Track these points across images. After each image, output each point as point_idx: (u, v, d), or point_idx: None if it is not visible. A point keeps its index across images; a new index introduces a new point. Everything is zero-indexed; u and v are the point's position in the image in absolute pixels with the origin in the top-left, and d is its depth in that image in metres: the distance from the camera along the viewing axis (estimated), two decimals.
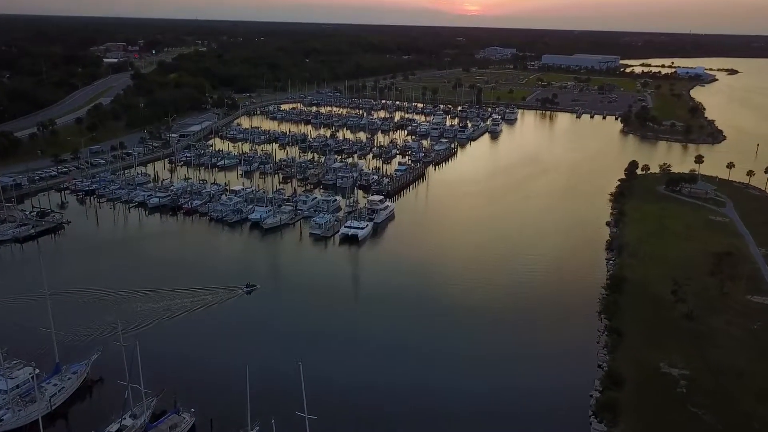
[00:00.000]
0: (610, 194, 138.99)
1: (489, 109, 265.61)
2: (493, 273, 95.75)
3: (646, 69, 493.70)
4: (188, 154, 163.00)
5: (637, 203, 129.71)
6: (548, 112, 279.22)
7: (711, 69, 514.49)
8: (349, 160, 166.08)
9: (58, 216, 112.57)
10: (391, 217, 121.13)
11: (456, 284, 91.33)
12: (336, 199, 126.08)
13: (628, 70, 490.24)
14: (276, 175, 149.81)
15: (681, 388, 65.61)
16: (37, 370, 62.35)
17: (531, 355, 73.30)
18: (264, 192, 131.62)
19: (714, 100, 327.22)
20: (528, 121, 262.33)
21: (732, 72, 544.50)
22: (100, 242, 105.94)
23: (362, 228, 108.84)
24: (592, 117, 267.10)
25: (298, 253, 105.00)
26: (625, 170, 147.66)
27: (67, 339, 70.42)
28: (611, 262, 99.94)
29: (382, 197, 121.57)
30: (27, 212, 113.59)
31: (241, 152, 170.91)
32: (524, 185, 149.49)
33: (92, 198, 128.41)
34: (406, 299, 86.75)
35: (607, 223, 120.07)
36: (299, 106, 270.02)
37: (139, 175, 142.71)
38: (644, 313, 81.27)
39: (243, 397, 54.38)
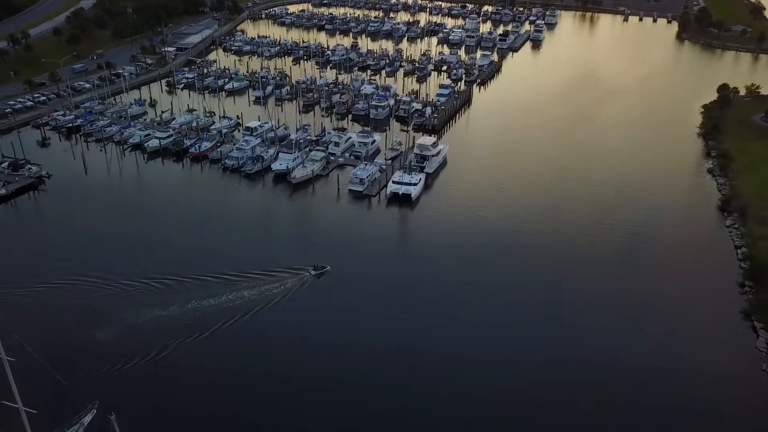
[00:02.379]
0: (699, 127, 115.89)
1: (524, 11, 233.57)
2: (588, 248, 75.36)
3: None
4: (189, 75, 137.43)
5: (738, 141, 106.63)
6: (589, 14, 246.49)
7: None
8: (375, 79, 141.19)
9: (36, 168, 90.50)
10: (443, 163, 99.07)
11: (550, 252, 71.85)
12: (375, 140, 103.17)
13: None
14: (295, 102, 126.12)
15: None
16: None
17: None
18: (286, 128, 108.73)
19: None
20: (568, 24, 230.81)
21: None
22: (92, 203, 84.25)
23: (414, 184, 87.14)
24: (640, 20, 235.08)
25: (342, 217, 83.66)
26: (718, 97, 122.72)
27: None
28: (735, 231, 79.25)
29: (434, 139, 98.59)
30: None
31: (250, 71, 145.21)
32: (592, 115, 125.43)
33: (77, 137, 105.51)
34: (503, 275, 68.50)
35: (710, 171, 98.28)
36: (309, 7, 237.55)
37: (133, 105, 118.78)
38: None
39: None
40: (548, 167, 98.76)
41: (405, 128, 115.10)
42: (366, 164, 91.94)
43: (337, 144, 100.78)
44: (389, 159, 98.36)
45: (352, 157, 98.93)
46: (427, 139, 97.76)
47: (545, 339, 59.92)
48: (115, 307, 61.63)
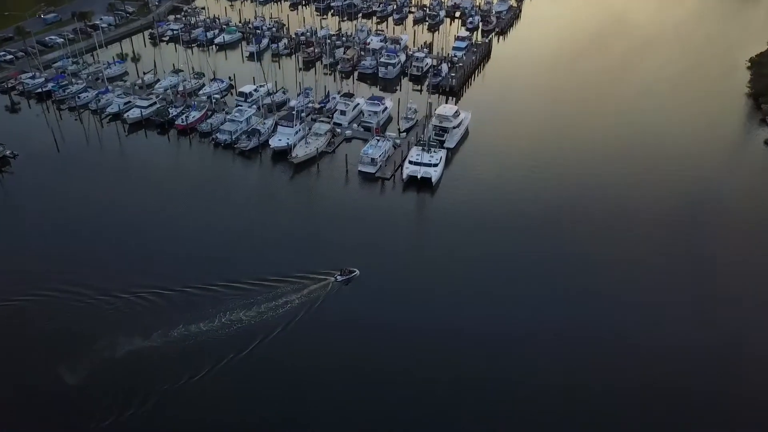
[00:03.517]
0: (748, 85, 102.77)
1: None
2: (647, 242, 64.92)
3: None
4: (174, 27, 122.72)
5: None
6: None
7: None
8: (382, 29, 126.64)
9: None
10: (465, 134, 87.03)
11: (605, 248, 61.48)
12: (386, 108, 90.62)
13: None
14: (294, 57, 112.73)
15: None
16: None
17: None
18: (285, 92, 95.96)
19: None
20: None
21: None
22: (65, 190, 72.82)
23: (435, 164, 75.55)
24: None
25: (353, 207, 71.75)
26: None
27: None
28: None
29: (454, 108, 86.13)
30: None
31: (242, 20, 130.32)
32: (628, 70, 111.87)
33: (48, 105, 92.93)
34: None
35: (767, 143, 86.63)
36: None
37: (112, 64, 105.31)
38: None
39: None
40: (581, 134, 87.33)
41: (417, 87, 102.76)
42: (378, 139, 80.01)
43: (343, 113, 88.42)
44: (403, 131, 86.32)
45: (360, 129, 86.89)
46: (447, 108, 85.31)
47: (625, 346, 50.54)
48: (91, 332, 51.38)
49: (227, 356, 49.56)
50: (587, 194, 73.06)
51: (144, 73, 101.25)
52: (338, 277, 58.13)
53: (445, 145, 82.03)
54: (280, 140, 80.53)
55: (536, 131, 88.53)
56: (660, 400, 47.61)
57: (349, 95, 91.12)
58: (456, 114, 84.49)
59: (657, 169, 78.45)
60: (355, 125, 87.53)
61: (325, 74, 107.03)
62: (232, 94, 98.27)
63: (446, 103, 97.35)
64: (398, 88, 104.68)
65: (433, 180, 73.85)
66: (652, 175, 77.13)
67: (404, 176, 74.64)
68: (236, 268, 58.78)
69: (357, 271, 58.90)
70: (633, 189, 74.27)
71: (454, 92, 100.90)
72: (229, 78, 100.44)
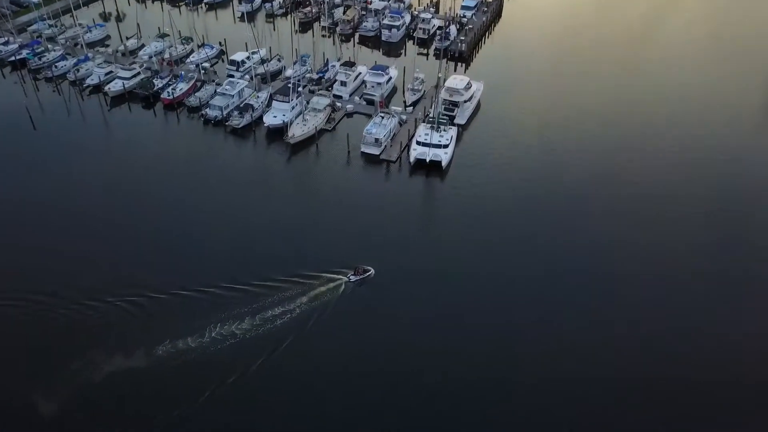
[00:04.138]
0: None
1: None
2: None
3: None
4: None
5: None
6: None
7: None
8: None
9: None
10: (476, 108, 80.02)
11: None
12: (391, 78, 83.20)
13: None
14: (290, 18, 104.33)
15: None
16: None
17: None
18: (280, 59, 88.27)
19: None
20: None
21: None
22: (44, 173, 66.76)
23: (445, 145, 69.04)
24: None
25: (357, 193, 65.40)
26: None
27: None
28: None
29: (466, 80, 78.81)
30: None
31: None
32: (653, 35, 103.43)
33: (22, 75, 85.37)
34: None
35: None
36: None
37: (92, 27, 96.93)
38: None
39: None
40: (603, 103, 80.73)
41: (423, 51, 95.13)
42: (382, 116, 73.14)
43: (344, 84, 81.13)
44: (410, 105, 79.30)
45: (363, 102, 79.86)
46: (457, 80, 77.99)
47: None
48: (66, 348, 46.52)
49: (232, 374, 44.66)
50: (615, 176, 66.97)
51: (127, 38, 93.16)
52: (351, 278, 52.77)
53: (456, 121, 75.31)
54: (275, 117, 73.70)
55: (555, 102, 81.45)
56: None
57: (350, 64, 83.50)
58: (467, 86, 77.33)
59: (688, 145, 72.13)
60: (356, 98, 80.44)
61: (324, 37, 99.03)
62: (223, 60, 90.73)
63: (455, 70, 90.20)
64: (403, 52, 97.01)
65: (444, 164, 67.52)
66: (685, 153, 70.87)
67: (411, 159, 68.24)
68: (232, 268, 53.40)
69: (372, 270, 53.47)
70: (666, 172, 68.05)
71: (463, 58, 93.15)
72: (220, 43, 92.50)
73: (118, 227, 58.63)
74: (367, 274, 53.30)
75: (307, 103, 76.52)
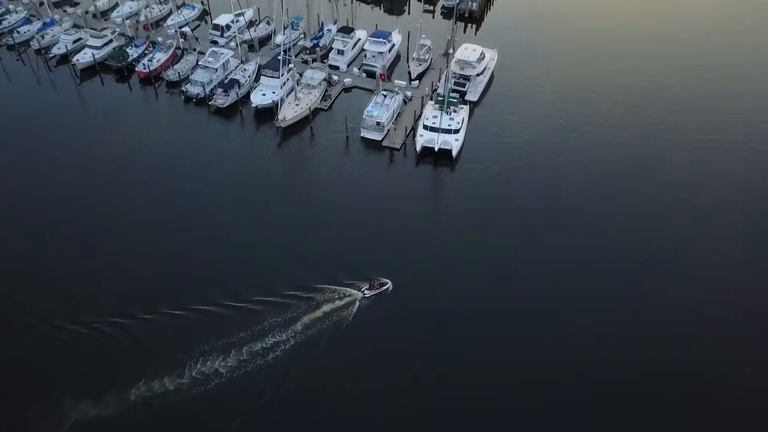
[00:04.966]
0: None
1: None
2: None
3: None
4: None
5: None
6: None
7: None
8: None
9: None
10: (489, 81, 71.41)
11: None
12: (394, 45, 74.08)
13: None
14: None
15: None
16: None
17: None
18: (269, 23, 78.78)
19: None
20: None
21: None
22: (6, 162, 59.43)
23: (456, 130, 61.12)
24: None
25: (361, 187, 57.61)
26: None
27: None
28: None
29: (478, 50, 69.80)
30: None
31: None
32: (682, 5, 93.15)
33: None
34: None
35: None
36: None
37: None
38: None
39: None
40: (631, 72, 72.63)
41: (429, 8, 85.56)
42: (384, 95, 64.82)
43: (341, 52, 72.28)
44: (415, 78, 70.70)
45: (363, 74, 71.28)
46: (469, 51, 69.11)
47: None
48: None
49: (232, 421, 38.86)
50: (643, 163, 59.59)
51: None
52: (366, 292, 46.53)
53: (467, 98, 67.15)
54: (264, 95, 65.47)
55: (579, 71, 72.98)
56: None
57: (348, 30, 74.20)
58: (480, 58, 68.65)
59: (728, 130, 64.35)
60: (355, 69, 71.76)
61: None
62: (206, 22, 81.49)
63: (464, 32, 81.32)
64: (407, 9, 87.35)
65: (454, 152, 59.84)
66: (721, 140, 63.17)
67: (418, 147, 60.51)
68: (220, 282, 46.91)
69: (389, 283, 47.11)
70: (698, 160, 60.58)
71: (474, 18, 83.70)
72: (202, 2, 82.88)
73: (88, 229, 51.64)
74: (384, 288, 46.92)
75: (300, 75, 68.05)
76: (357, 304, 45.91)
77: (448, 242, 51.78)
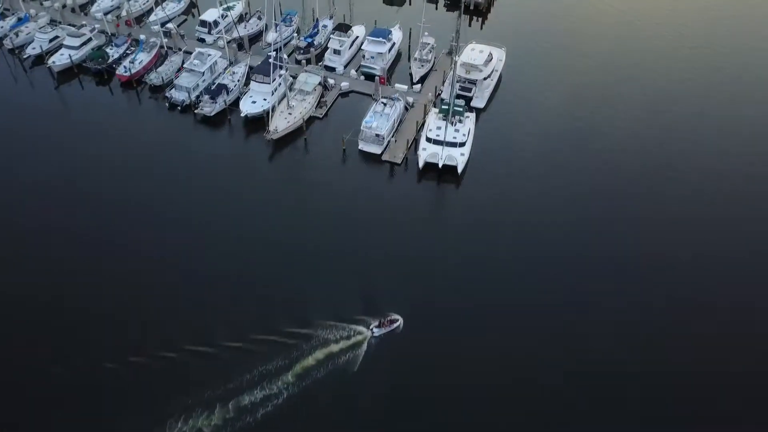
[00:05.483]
0: None
1: None
2: None
3: None
4: None
5: None
6: None
7: None
8: None
9: None
10: (497, 85, 66.27)
11: None
12: (394, 44, 68.74)
13: None
14: None
15: None
16: None
17: None
18: (260, 17, 73.20)
19: None
20: None
21: None
22: None
23: (461, 143, 56.35)
24: None
25: (361, 207, 52.79)
26: None
27: None
28: None
29: (486, 51, 64.56)
30: None
31: None
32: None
33: None
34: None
35: None
36: None
37: None
38: None
39: None
40: (652, 72, 67.54)
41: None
42: (384, 103, 59.86)
43: (337, 52, 67.08)
44: (417, 81, 65.56)
45: (361, 77, 66.19)
46: (475, 53, 63.94)
47: None
48: None
49: None
50: (666, 178, 55.16)
51: None
52: (375, 330, 42.85)
53: (473, 104, 62.27)
54: (254, 102, 60.58)
55: (593, 70, 67.98)
56: None
57: (345, 27, 68.75)
58: (488, 60, 63.49)
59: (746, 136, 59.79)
60: (353, 71, 66.61)
61: None
62: (193, 15, 76.05)
63: (470, 25, 75.97)
64: (408, 0, 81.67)
65: (459, 168, 55.23)
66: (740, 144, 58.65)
67: (420, 162, 55.85)
68: (207, 317, 43.08)
69: (400, 320, 43.42)
70: (723, 163, 56.21)
71: (480, 11, 78.16)
72: None
73: (61, 254, 47.52)
74: (395, 325, 43.24)
75: (293, 78, 63.05)
76: (365, 344, 42.22)
77: (456, 268, 47.97)
